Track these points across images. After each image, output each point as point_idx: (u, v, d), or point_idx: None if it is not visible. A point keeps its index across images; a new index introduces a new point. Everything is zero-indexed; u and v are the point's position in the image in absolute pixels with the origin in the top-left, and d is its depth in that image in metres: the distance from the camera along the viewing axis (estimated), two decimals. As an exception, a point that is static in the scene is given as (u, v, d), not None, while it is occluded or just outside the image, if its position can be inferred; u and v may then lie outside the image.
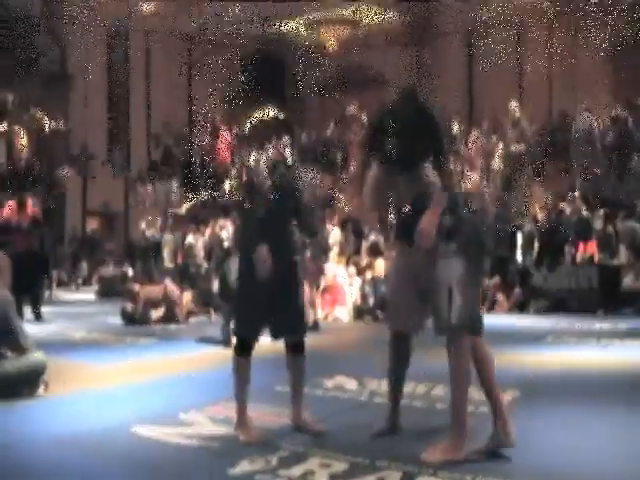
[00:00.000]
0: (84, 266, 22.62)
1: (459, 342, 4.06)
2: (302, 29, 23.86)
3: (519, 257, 16.00)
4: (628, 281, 13.85)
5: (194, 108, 26.48)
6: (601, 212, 16.35)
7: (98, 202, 24.80)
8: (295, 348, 4.96)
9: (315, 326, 10.86)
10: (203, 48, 26.01)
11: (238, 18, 21.84)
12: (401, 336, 4.60)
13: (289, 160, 5.02)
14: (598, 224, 15.73)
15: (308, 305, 11.33)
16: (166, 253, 19.55)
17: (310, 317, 11.16)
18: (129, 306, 12.06)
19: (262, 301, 4.70)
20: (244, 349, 4.85)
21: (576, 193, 16.83)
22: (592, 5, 19.54)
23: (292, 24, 24.56)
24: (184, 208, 25.78)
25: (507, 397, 5.42)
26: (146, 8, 17.36)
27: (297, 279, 4.88)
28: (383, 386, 5.92)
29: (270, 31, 25.56)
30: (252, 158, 4.99)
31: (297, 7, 21.80)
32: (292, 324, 4.87)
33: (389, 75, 23.67)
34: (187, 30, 24.07)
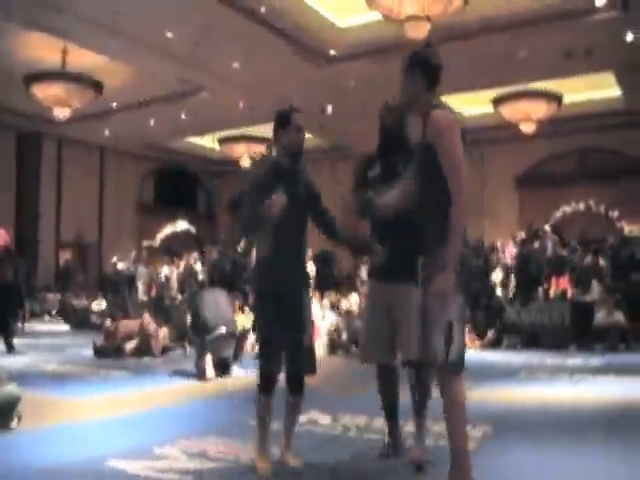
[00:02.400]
0: (57, 297, 22.49)
1: (457, 380, 3.94)
2: (215, 144, 24.10)
3: (497, 292, 16.16)
4: (600, 317, 13.97)
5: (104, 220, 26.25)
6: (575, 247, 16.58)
7: (72, 233, 24.80)
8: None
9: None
10: (116, 158, 26.23)
11: (152, 130, 22.07)
12: (386, 368, 4.81)
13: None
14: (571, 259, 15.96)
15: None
16: (140, 286, 19.50)
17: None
18: (100, 340, 12.02)
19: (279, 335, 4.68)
20: (265, 386, 4.77)
21: (548, 228, 17.05)
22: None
23: (206, 138, 24.99)
24: (158, 240, 25.82)
25: (478, 433, 5.47)
26: (59, 115, 17.52)
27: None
28: (356, 420, 5.96)
29: (183, 144, 26.04)
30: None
31: (209, 123, 22.11)
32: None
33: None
34: (99, 138, 24.15)
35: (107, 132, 22.92)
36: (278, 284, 4.67)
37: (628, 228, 20.80)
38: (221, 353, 9.39)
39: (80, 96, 17.56)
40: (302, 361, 4.76)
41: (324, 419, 6.22)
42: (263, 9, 13.79)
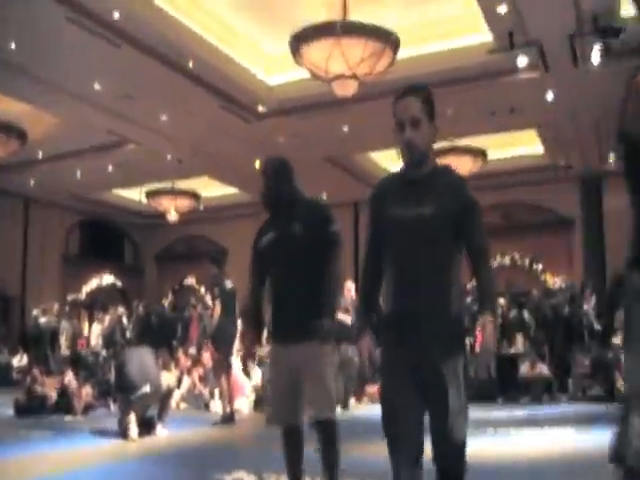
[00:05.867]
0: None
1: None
2: (143, 197, 23.94)
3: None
4: (525, 369, 14.17)
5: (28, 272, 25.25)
6: (501, 301, 16.82)
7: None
8: None
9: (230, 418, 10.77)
10: (40, 209, 25.49)
11: (79, 181, 21.89)
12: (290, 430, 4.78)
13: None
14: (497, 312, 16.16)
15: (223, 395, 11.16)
16: (63, 340, 19.12)
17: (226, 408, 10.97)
18: (23, 397, 11.72)
19: None
20: None
21: (474, 283, 17.30)
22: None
23: (133, 191, 24.70)
24: (84, 293, 25.41)
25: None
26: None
27: None
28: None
29: (110, 196, 25.72)
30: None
31: (137, 176, 22.03)
32: None
33: (231, 247, 24.21)
34: (23, 189, 23.52)
35: (32, 182, 22.59)
36: None
37: (552, 280, 21.23)
38: (145, 412, 9.25)
39: (4, 145, 17.26)
40: None
41: (249, 479, 6.13)
42: (191, 63, 13.84)
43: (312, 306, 4.60)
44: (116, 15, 12.03)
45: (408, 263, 3.44)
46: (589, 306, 16.15)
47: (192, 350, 15.74)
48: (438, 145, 18.62)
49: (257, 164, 15.39)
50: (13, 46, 13.11)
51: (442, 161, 18.65)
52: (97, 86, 14.90)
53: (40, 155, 19.83)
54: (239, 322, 10.78)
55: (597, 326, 15.75)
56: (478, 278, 3.53)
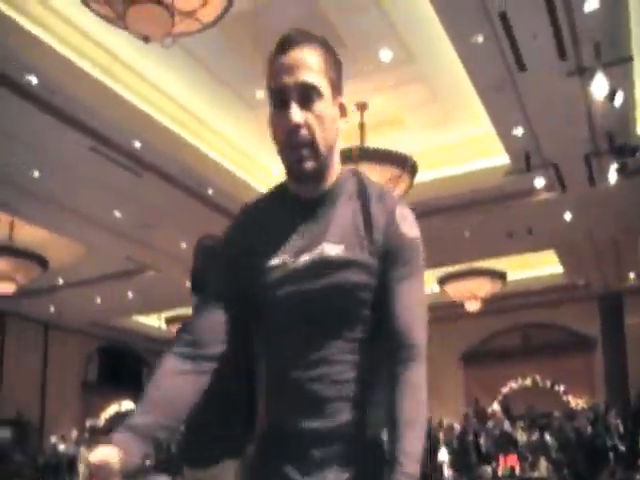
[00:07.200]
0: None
1: None
2: (162, 323, 23.99)
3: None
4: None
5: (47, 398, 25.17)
6: (522, 424, 16.60)
7: (11, 410, 24.04)
8: None
9: None
10: (60, 335, 25.59)
11: (98, 308, 21.98)
12: None
13: None
14: (519, 436, 15.93)
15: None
16: (81, 468, 18.81)
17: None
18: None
19: None
20: None
21: (496, 406, 17.05)
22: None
23: (152, 317, 24.98)
24: (103, 419, 25.12)
25: None
26: (4, 290, 17.29)
27: None
28: None
29: (129, 323, 25.86)
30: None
31: (156, 302, 22.20)
32: None
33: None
34: (43, 314, 23.73)
35: (52, 308, 22.64)
36: None
37: (574, 402, 20.90)
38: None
39: (25, 271, 17.40)
40: None
41: None
42: (211, 191, 14.06)
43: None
44: (137, 145, 12.37)
45: (292, 349, 1.92)
46: (614, 427, 15.85)
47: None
48: (456, 268, 18.64)
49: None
50: (37, 174, 13.42)
51: (460, 284, 18.70)
52: (118, 214, 15.13)
53: (61, 281, 19.98)
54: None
55: (622, 447, 15.43)
56: (392, 404, 1.84)
